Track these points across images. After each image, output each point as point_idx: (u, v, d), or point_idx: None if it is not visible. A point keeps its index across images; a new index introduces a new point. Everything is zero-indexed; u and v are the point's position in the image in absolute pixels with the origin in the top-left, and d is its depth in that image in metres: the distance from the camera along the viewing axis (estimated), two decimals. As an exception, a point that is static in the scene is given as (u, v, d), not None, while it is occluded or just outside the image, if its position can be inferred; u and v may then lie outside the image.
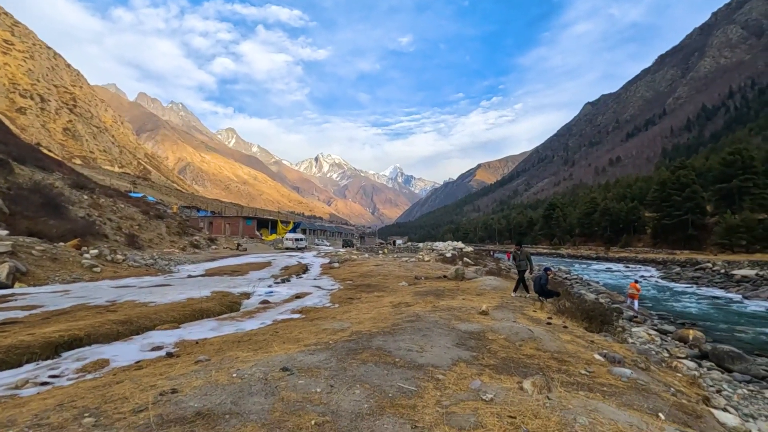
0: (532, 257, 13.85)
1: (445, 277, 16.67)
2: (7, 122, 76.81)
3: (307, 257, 30.54)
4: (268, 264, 22.97)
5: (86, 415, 2.87)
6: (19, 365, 5.16)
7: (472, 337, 5.81)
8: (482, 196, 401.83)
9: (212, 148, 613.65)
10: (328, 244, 65.02)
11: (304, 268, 21.72)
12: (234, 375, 3.69)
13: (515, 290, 11.15)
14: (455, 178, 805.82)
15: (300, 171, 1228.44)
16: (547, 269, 10.62)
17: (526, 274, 11.42)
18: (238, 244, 38.77)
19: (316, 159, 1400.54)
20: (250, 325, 7.67)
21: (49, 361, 5.32)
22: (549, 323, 7.38)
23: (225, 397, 3.15)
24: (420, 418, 2.98)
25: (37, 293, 10.34)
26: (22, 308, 8.24)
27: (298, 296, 11.89)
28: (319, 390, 3.39)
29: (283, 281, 15.90)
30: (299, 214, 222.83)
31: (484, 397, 3.43)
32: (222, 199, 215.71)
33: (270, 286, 13.88)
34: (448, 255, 32.89)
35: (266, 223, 61.83)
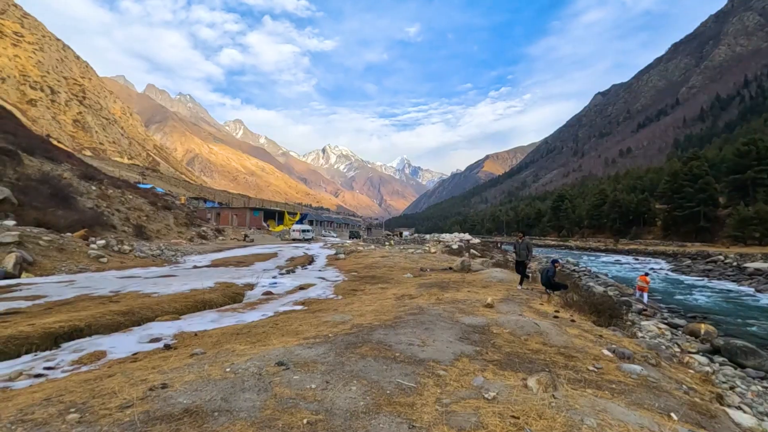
0: (536, 249, 13.64)
1: (450, 269, 16.50)
2: (18, 114, 77.57)
3: (314, 248, 30.53)
4: (274, 255, 22.98)
5: (72, 410, 2.77)
6: (18, 356, 5.11)
7: (476, 331, 5.65)
8: (490, 187, 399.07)
9: (220, 140, 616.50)
10: (335, 235, 65.09)
11: (310, 260, 21.70)
12: (227, 369, 3.58)
13: (521, 283, 10.97)
14: (463, 169, 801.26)
15: (307, 162, 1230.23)
16: (554, 261, 10.39)
17: (531, 266, 11.22)
18: (245, 235, 38.90)
19: (324, 150, 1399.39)
20: (251, 316, 7.60)
21: (47, 353, 5.27)
22: (556, 317, 7.20)
23: (216, 393, 3.04)
24: (418, 417, 2.84)
25: (42, 283, 10.37)
26: (26, 298, 8.25)
27: (301, 287, 11.82)
28: (314, 386, 3.26)
29: (288, 272, 15.87)
30: (306, 206, 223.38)
31: (486, 396, 3.28)
32: (229, 190, 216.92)
33: (274, 278, 13.83)
34: (455, 247, 32.70)
35: (273, 215, 61.98)
